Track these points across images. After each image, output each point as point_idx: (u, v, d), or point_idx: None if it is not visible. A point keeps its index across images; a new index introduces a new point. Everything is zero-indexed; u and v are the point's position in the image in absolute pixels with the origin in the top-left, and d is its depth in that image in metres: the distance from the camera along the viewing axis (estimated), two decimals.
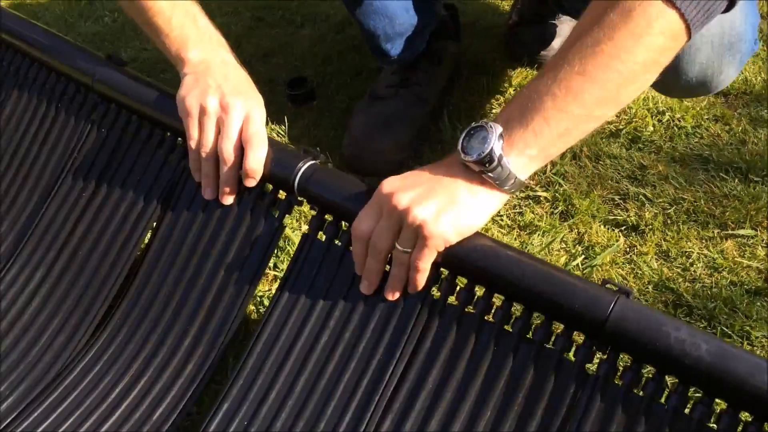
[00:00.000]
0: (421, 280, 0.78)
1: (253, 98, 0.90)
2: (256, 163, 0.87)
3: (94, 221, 1.00)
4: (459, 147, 0.76)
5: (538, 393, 0.72)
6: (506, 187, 0.75)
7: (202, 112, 0.88)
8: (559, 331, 0.73)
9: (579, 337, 0.73)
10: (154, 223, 0.97)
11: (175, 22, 0.95)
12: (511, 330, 0.75)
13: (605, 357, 0.71)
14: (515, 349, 0.74)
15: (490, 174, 0.74)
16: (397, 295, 0.79)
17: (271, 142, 0.89)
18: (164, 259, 0.94)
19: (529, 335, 0.74)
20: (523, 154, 0.74)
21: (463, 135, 0.76)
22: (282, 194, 0.90)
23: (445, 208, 0.74)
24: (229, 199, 0.90)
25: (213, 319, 0.89)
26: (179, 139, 0.96)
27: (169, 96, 0.96)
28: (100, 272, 0.97)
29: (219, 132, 0.88)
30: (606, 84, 0.72)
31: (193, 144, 0.89)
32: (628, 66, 0.72)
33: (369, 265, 0.79)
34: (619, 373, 0.71)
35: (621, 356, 0.71)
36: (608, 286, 0.71)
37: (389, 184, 0.77)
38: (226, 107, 0.87)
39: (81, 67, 1.04)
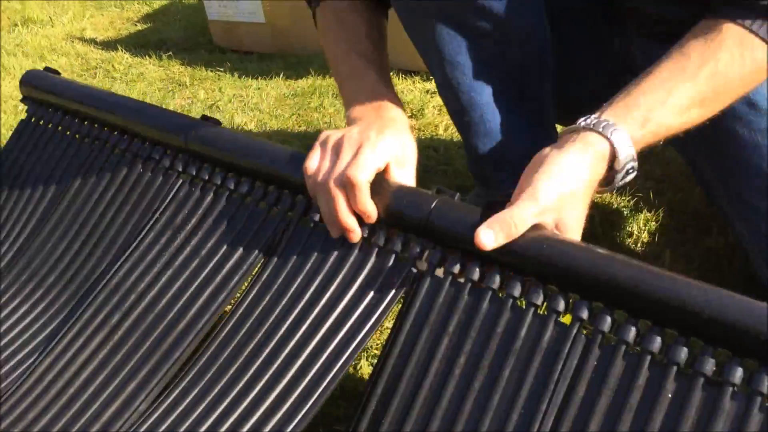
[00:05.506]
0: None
1: (403, 137, 0.82)
2: (361, 204, 0.79)
3: (173, 279, 0.94)
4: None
5: None
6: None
7: (331, 142, 0.82)
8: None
9: None
10: (247, 279, 0.91)
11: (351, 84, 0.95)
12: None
13: None
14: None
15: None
16: None
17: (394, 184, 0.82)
18: (259, 310, 0.87)
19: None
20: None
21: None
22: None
23: None
24: (353, 238, 0.82)
25: (307, 374, 0.81)
26: (285, 191, 0.93)
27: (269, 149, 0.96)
28: (174, 330, 0.91)
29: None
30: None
31: (308, 170, 0.82)
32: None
33: None
34: None
35: None
36: None
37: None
38: (359, 139, 0.80)
39: (172, 130, 1.04)
